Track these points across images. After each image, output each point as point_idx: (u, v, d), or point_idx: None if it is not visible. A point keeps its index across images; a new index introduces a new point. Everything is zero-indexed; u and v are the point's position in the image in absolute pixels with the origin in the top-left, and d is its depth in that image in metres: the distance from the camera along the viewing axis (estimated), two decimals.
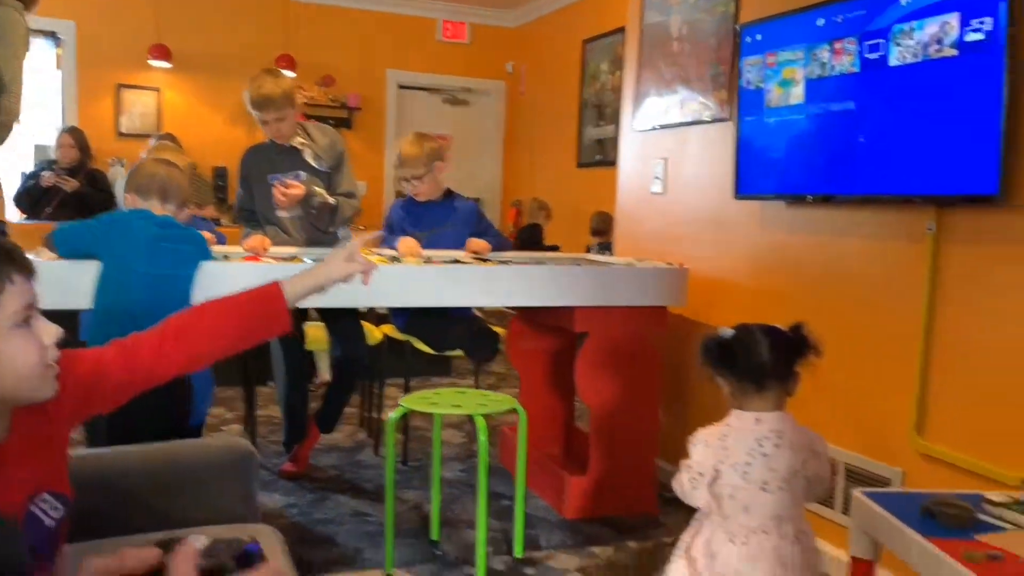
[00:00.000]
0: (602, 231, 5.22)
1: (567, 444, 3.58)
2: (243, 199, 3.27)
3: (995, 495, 1.76)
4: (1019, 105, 2.06)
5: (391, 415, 2.46)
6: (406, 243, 3.09)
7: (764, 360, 1.68)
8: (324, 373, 4.39)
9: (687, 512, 3.03)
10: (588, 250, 5.14)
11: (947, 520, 1.64)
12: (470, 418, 4.12)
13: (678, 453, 3.44)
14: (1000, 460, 2.15)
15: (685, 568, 1.73)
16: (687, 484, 1.74)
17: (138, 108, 6.42)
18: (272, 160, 3.21)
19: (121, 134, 6.36)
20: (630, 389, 3.01)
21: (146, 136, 5.95)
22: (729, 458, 1.69)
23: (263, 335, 1.43)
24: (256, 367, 3.62)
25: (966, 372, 2.26)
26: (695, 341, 3.23)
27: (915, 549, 1.58)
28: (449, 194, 3.40)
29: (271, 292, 1.42)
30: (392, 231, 3.39)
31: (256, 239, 3.05)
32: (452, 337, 3.30)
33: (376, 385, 3.85)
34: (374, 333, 3.68)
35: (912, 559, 1.60)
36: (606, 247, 4.78)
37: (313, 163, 3.23)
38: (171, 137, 5.14)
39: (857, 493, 1.82)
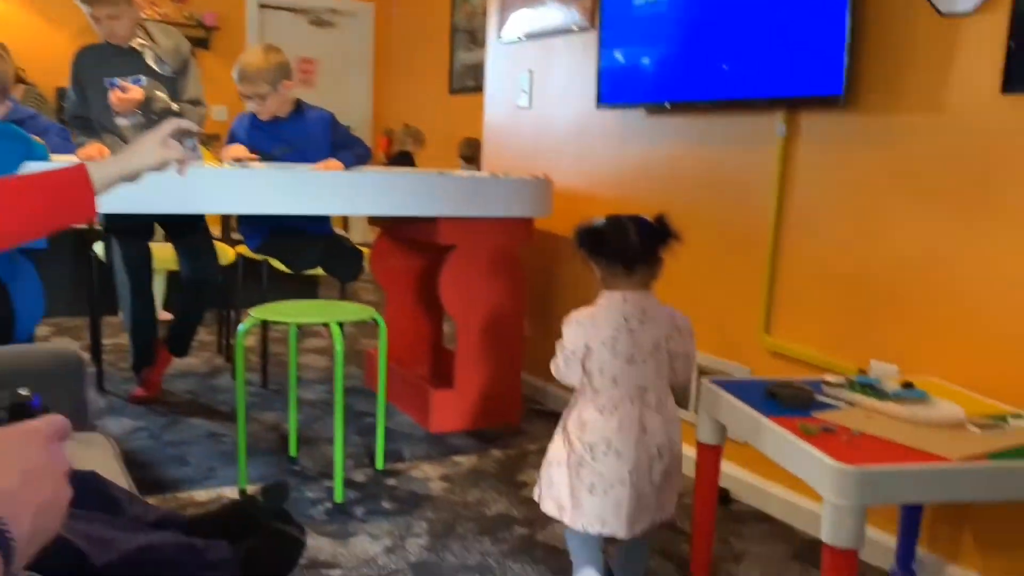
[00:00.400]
0: (471, 157, 5.16)
1: (435, 364, 3.57)
2: (75, 104, 3.02)
3: (831, 377, 1.88)
4: (864, 7, 2.12)
5: (243, 324, 2.36)
6: (235, 149, 2.93)
7: (632, 244, 1.78)
8: (160, 311, 4.16)
9: (550, 421, 3.11)
10: None
11: (787, 400, 1.73)
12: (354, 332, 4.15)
13: (543, 365, 3.51)
14: (840, 354, 2.25)
15: (561, 441, 1.82)
16: (562, 365, 1.82)
17: None
18: (109, 62, 2.97)
19: None
20: (496, 302, 3.01)
21: None
22: (599, 334, 1.77)
23: (66, 220, 1.33)
24: (103, 296, 3.42)
25: (810, 272, 2.33)
26: (560, 254, 3.34)
27: (758, 428, 1.66)
28: (299, 107, 3.17)
29: (77, 176, 1.32)
30: None
31: (93, 147, 2.82)
32: (310, 255, 3.18)
33: (233, 310, 3.73)
34: (227, 253, 3.52)
35: (755, 438, 1.68)
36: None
37: (155, 66, 3.00)
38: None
39: (705, 382, 1.90)
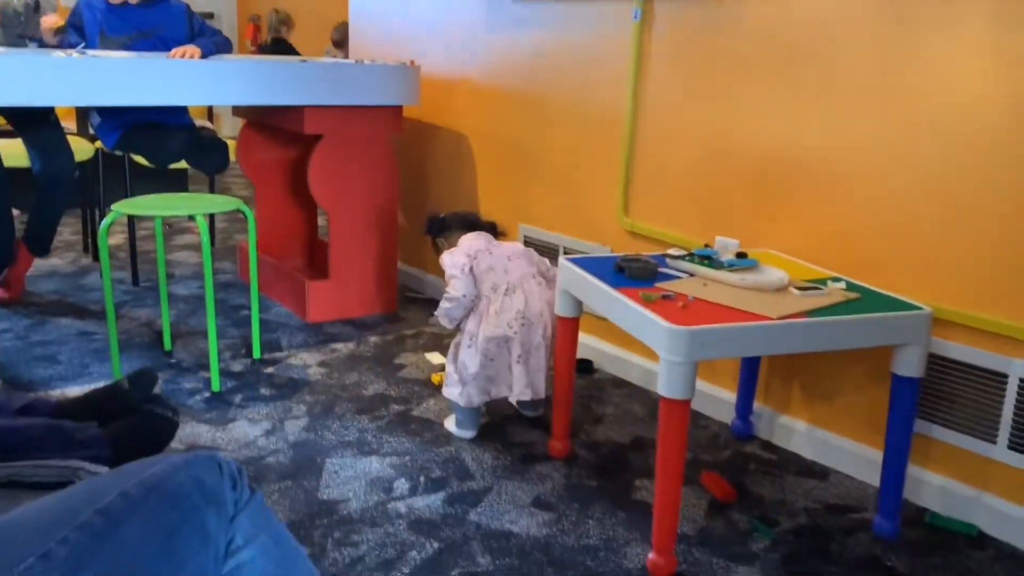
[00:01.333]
0: (341, 42, 4.99)
1: (310, 256, 3.55)
2: None
3: (674, 251, 1.98)
4: None
5: (106, 219, 2.31)
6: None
7: (471, 217, 2.36)
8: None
9: (427, 308, 3.33)
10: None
11: (634, 272, 1.83)
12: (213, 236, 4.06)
13: (419, 254, 3.44)
14: (691, 232, 2.38)
15: (467, 339, 2.10)
16: (448, 305, 2.12)
17: None
18: None
19: None
20: (368, 192, 2.99)
21: None
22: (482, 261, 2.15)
23: None
24: None
25: (665, 154, 2.42)
26: (432, 143, 3.35)
27: (607, 299, 1.77)
28: None
29: None
30: (82, 36, 3.03)
31: None
32: (172, 148, 3.08)
33: (96, 208, 3.59)
34: (85, 148, 3.36)
35: (605, 309, 1.79)
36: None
37: None
38: None
39: (562, 259, 1.96)
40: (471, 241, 2.22)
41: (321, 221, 3.75)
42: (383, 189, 3.04)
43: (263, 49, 5.64)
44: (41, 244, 3.10)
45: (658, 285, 1.78)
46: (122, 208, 2.31)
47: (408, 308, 3.24)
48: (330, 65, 2.83)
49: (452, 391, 2.14)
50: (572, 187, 2.75)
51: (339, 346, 2.81)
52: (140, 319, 2.97)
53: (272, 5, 6.28)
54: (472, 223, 2.36)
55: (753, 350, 1.60)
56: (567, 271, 1.95)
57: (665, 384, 1.55)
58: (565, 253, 2.77)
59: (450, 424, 2.23)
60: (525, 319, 2.08)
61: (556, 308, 2.02)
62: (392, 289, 3.16)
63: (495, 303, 2.09)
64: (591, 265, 1.92)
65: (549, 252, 2.84)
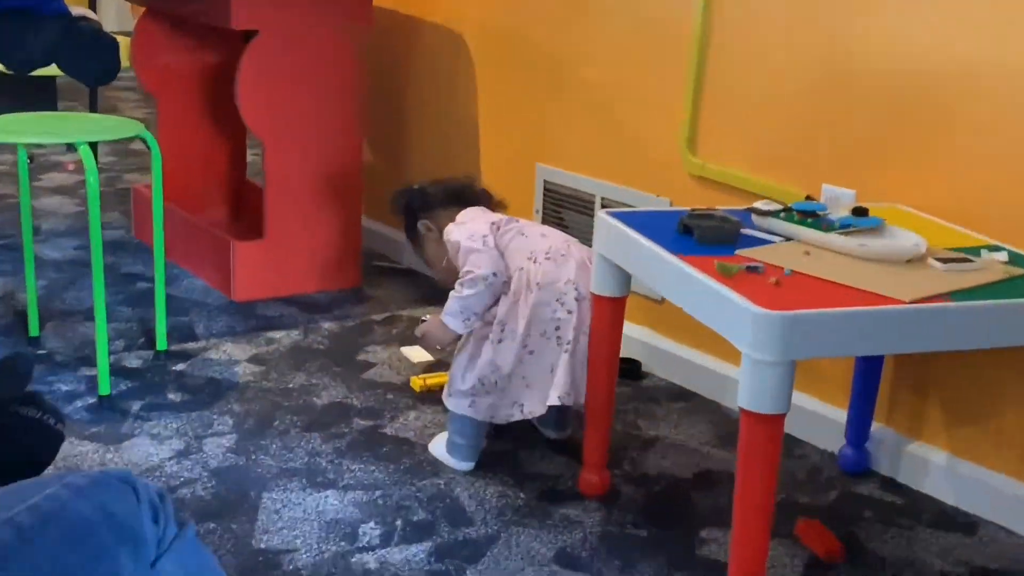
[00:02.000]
0: None
1: (236, 206, 3.59)
2: None
3: (764, 204, 1.99)
4: None
5: None
6: None
7: (460, 186, 2.46)
8: None
9: (406, 283, 3.28)
10: None
11: (706, 234, 1.84)
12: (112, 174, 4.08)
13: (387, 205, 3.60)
14: (784, 178, 2.40)
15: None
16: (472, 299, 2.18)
17: None
18: None
19: None
20: (321, 115, 2.99)
21: None
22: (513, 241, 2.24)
23: None
24: None
25: (748, 74, 2.46)
26: (413, 46, 3.34)
27: (665, 270, 1.77)
28: None
29: None
30: None
31: None
32: (36, 45, 3.06)
33: None
34: None
35: (662, 283, 1.82)
36: None
37: None
38: None
39: (600, 213, 1.99)
40: (479, 213, 2.34)
41: (253, 156, 3.77)
42: (342, 111, 3.06)
43: None
44: None
45: (740, 252, 1.79)
46: None
47: (377, 282, 3.25)
48: None
49: (459, 403, 2.20)
50: (615, 114, 2.78)
51: (279, 335, 2.85)
52: None
53: None
54: (463, 194, 2.45)
55: (875, 347, 1.66)
56: (608, 232, 1.97)
57: (749, 393, 1.56)
58: (604, 207, 2.79)
59: (438, 448, 2.28)
60: (579, 292, 2.14)
61: (592, 284, 2.06)
62: (354, 255, 3.19)
63: (536, 273, 2.16)
64: (644, 223, 1.93)
65: (581, 205, 2.90)
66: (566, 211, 2.96)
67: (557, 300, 2.13)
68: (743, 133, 2.52)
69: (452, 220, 2.33)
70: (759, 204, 1.99)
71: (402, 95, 3.44)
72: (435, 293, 3.21)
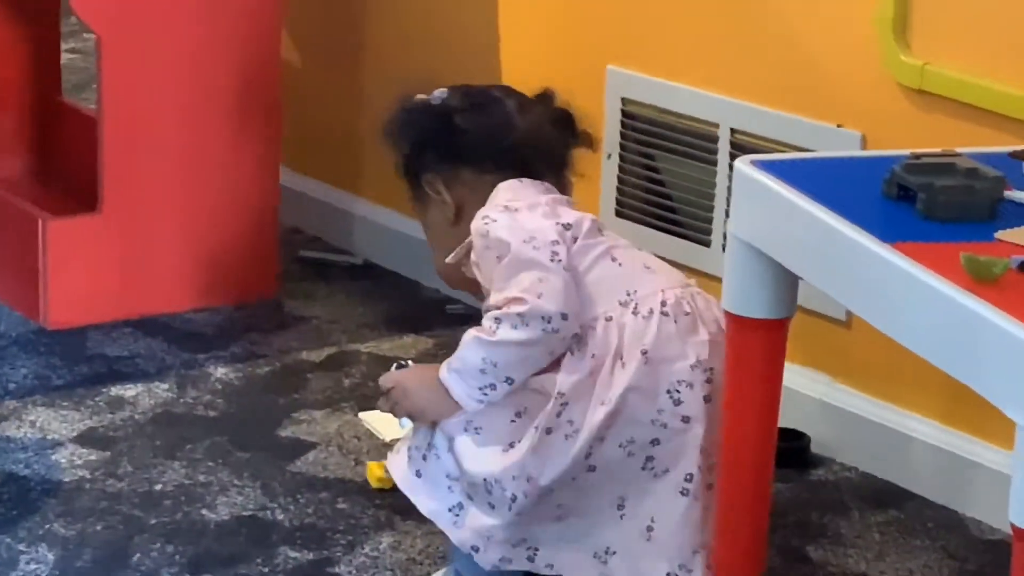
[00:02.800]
0: None
1: (43, 151, 3.54)
2: None
3: None
4: None
5: None
6: None
7: (529, 114, 2.26)
8: None
9: (352, 288, 3.45)
10: None
11: (940, 201, 1.72)
12: None
13: (334, 157, 3.60)
14: None
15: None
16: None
17: None
18: None
19: None
20: (243, 49, 3.07)
21: None
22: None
23: None
24: None
25: None
26: None
27: (861, 267, 1.69)
28: None
29: None
30: None
31: None
32: None
33: None
34: None
35: (852, 294, 1.76)
36: None
37: None
38: None
39: (738, 163, 1.93)
40: (541, 194, 2.20)
41: (71, 59, 3.73)
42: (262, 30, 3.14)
43: None
44: None
45: (1001, 235, 1.67)
46: None
47: (309, 290, 3.32)
48: None
49: (464, 536, 2.09)
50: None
51: (133, 392, 2.79)
52: None
53: None
54: (532, 138, 2.27)
55: None
56: (754, 198, 1.90)
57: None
58: (735, 147, 2.71)
59: None
60: (710, 387, 2.06)
61: (727, 296, 1.97)
62: (267, 242, 3.21)
63: (638, 333, 2.08)
64: (821, 180, 1.85)
65: (691, 143, 2.88)
66: (662, 154, 2.93)
67: (669, 394, 2.03)
68: (998, 5, 2.41)
69: (485, 189, 2.18)
70: None
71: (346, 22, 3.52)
72: (421, 308, 3.34)
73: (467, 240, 2.13)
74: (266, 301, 3.13)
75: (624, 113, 2.94)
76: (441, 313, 3.28)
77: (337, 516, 2.40)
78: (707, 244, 2.93)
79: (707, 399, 2.01)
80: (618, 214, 3.06)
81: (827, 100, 2.63)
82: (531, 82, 2.92)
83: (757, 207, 1.88)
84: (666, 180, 2.90)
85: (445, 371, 2.04)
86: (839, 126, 2.59)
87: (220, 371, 2.84)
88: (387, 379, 2.14)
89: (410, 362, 2.26)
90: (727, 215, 2.70)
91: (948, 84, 2.42)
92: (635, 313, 2.04)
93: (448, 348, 2.60)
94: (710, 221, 2.90)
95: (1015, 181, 1.80)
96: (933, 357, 1.54)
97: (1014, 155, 1.89)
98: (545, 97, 2.29)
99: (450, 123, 2.24)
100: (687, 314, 2.06)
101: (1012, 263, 1.51)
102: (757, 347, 1.95)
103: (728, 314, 1.95)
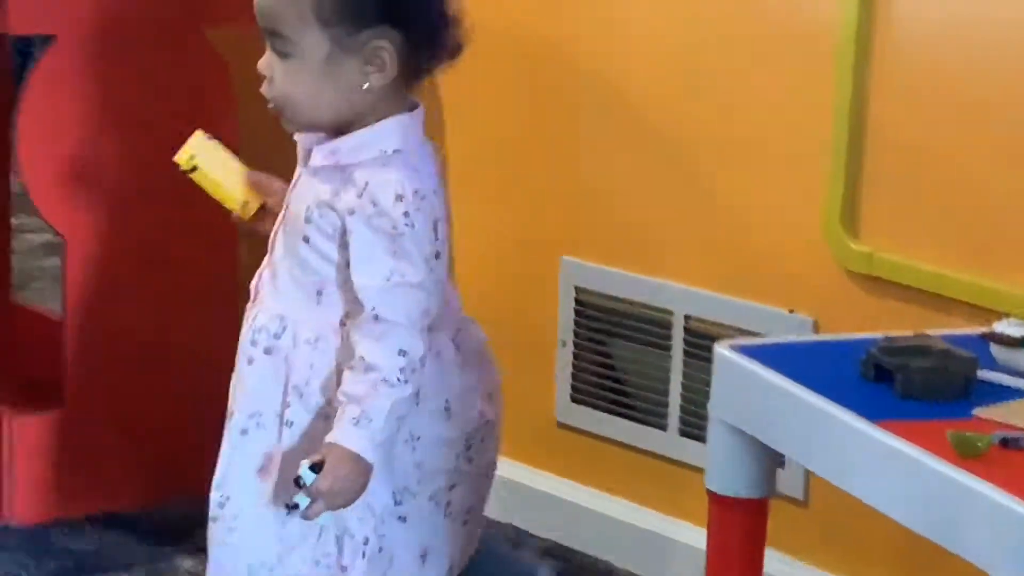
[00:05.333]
0: None
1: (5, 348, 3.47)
2: None
3: (1009, 324, 1.93)
4: None
5: None
6: None
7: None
8: None
9: None
10: None
11: (919, 381, 1.76)
12: None
13: None
14: (1016, 273, 2.35)
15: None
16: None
17: None
18: None
19: None
20: (159, 177, 2.80)
21: None
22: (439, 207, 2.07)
23: None
24: None
25: (932, 107, 2.49)
26: None
27: (851, 450, 1.71)
28: None
29: None
30: None
31: None
32: None
33: None
34: None
35: (844, 472, 1.73)
36: None
37: None
38: None
39: (721, 349, 1.97)
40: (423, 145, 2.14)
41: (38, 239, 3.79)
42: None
43: None
44: None
45: (979, 412, 1.72)
46: None
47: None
48: None
49: None
50: (705, 168, 2.79)
51: None
52: None
53: None
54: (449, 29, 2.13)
55: None
56: (735, 380, 1.94)
57: None
58: (689, 332, 2.77)
59: None
60: (490, 442, 2.19)
61: (710, 474, 2.00)
62: None
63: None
64: (798, 362, 1.91)
65: (646, 330, 2.89)
66: (616, 340, 2.96)
67: (466, 442, 2.12)
68: (940, 201, 2.50)
69: (390, 79, 2.01)
70: (1002, 326, 1.95)
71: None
72: None
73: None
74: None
75: (578, 302, 2.95)
76: None
77: None
78: (663, 428, 2.90)
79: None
80: (573, 399, 3.02)
81: (779, 286, 2.66)
82: (487, 273, 3.15)
83: (738, 390, 1.91)
84: (620, 366, 2.91)
85: (354, 440, 1.93)
86: (791, 311, 2.62)
87: (185, 564, 2.78)
88: (311, 489, 1.96)
89: (313, 460, 1.99)
90: (682, 399, 2.86)
91: (896, 270, 2.47)
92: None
93: None
94: (666, 405, 2.89)
95: (985, 361, 1.83)
96: (920, 527, 1.56)
97: (983, 336, 1.92)
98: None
99: None
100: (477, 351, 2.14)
101: (994, 439, 1.56)
102: (741, 526, 1.95)
103: (711, 494, 1.96)
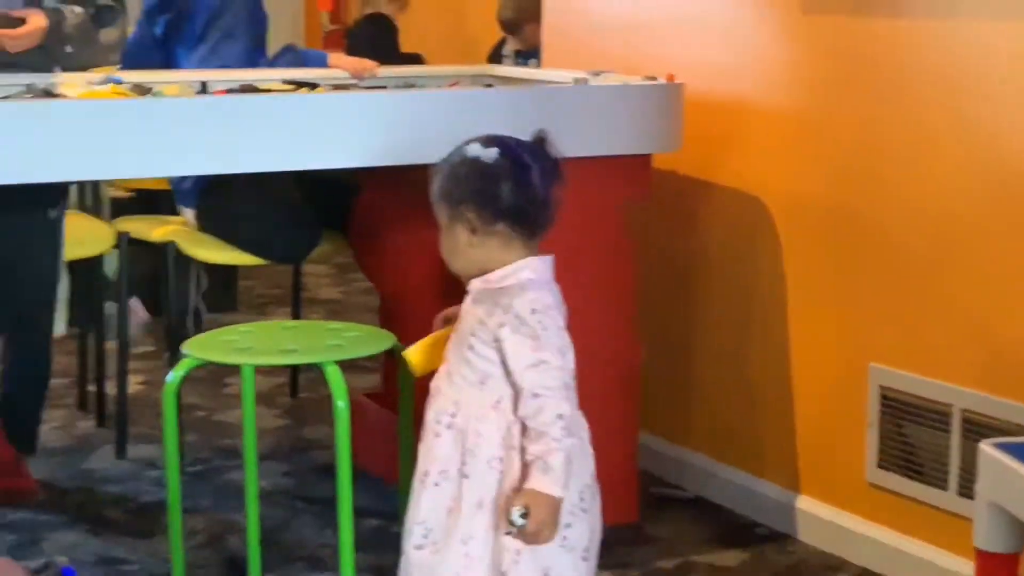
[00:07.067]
0: (517, 25, 5.47)
1: None
2: None
3: None
4: None
5: (172, 373, 2.68)
6: None
7: (539, 199, 2.34)
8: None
9: (696, 517, 3.49)
10: (495, 59, 5.45)
11: None
12: (292, 384, 4.40)
13: (671, 417, 3.80)
14: None
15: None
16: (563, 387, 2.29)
17: None
18: None
19: None
20: (586, 310, 3.02)
21: None
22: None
23: None
24: None
25: None
26: (699, 218, 3.58)
27: None
28: None
29: None
30: None
31: None
32: (250, 220, 3.59)
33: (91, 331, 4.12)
34: (102, 237, 3.87)
35: None
36: (529, 55, 4.87)
37: None
38: None
39: (985, 447, 2.10)
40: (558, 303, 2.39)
41: None
42: (613, 303, 3.24)
43: (352, 30, 6.34)
44: (19, 433, 3.57)
45: None
46: (199, 351, 2.70)
47: (657, 513, 3.46)
48: (533, 92, 3.16)
49: None
50: (977, 295, 2.89)
51: None
52: (197, 533, 3.26)
53: None
54: (543, 206, 2.39)
55: None
56: (1000, 469, 2.07)
57: None
58: (966, 424, 2.89)
59: None
60: None
61: (979, 536, 2.14)
62: (631, 481, 3.34)
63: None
64: None
65: (934, 420, 3.02)
66: (910, 425, 3.09)
67: (580, 495, 2.39)
68: None
69: (511, 250, 2.34)
70: None
71: (682, 271, 3.69)
72: (729, 530, 3.44)
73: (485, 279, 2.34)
74: (631, 522, 3.34)
75: (883, 396, 3.11)
76: (750, 532, 3.42)
77: None
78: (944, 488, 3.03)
79: None
80: (880, 465, 3.20)
81: None
82: (819, 368, 3.37)
83: (1003, 479, 2.04)
84: (915, 445, 3.06)
85: (549, 486, 2.22)
86: None
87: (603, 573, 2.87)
88: (526, 529, 2.25)
89: (522, 507, 2.26)
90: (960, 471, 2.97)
91: None
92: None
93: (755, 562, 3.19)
94: (947, 473, 3.03)
95: None
96: None
97: None
98: (539, 139, 2.40)
99: (501, 189, 2.32)
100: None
101: None
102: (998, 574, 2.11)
103: (979, 551, 2.11)
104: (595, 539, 2.39)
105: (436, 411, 2.36)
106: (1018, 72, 2.82)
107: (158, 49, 3.67)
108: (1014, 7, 2.82)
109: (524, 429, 2.26)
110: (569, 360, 2.29)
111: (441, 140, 2.54)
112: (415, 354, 2.50)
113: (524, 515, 2.19)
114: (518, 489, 2.25)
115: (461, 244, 2.33)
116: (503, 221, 2.29)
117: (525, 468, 2.25)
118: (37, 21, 3.32)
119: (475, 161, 2.30)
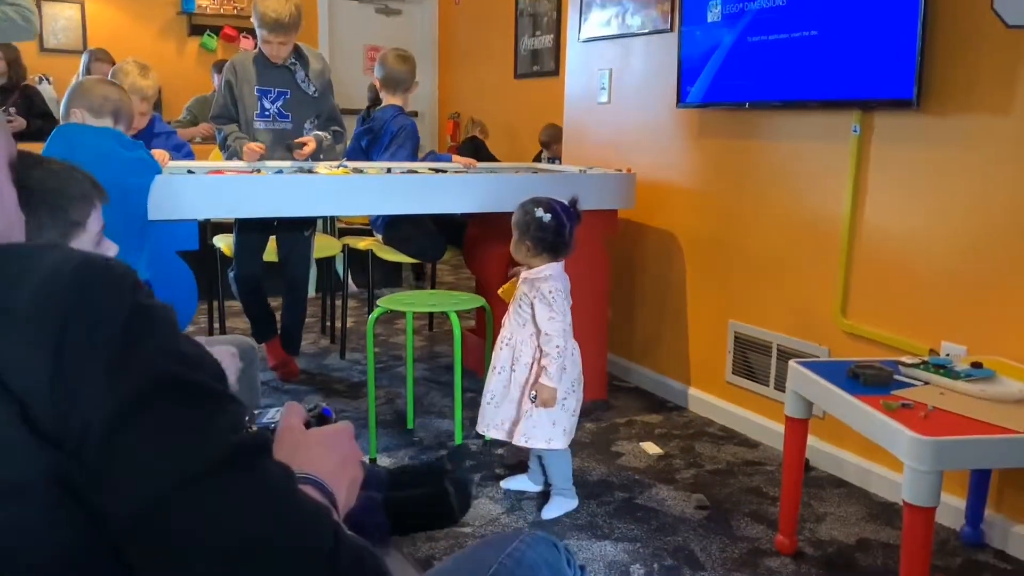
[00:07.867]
0: (549, 143, 5.33)
1: None
2: (223, 107, 3.22)
3: (908, 359, 1.99)
4: (935, 17, 2.22)
5: (372, 313, 2.66)
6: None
7: (568, 239, 2.29)
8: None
9: (635, 396, 3.33)
10: (537, 159, 5.28)
11: (869, 380, 1.85)
12: (429, 324, 4.37)
13: (626, 345, 3.62)
14: (912, 335, 2.35)
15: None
16: (561, 338, 2.23)
17: (60, 22, 6.20)
18: (262, 74, 3.18)
19: (45, 49, 6.11)
20: (583, 288, 3.00)
21: (72, 52, 5.85)
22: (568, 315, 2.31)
23: None
24: (221, 284, 3.64)
25: (883, 259, 2.43)
26: (643, 243, 3.45)
27: (844, 405, 1.81)
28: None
29: None
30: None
31: (257, 144, 3.07)
32: (417, 240, 3.45)
33: (338, 295, 4.00)
34: (331, 245, 3.79)
35: (841, 413, 1.83)
36: (554, 159, 4.77)
37: (301, 85, 3.22)
38: (103, 53, 4.89)
39: (793, 363, 2.05)
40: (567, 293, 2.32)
41: None
42: (597, 285, 3.15)
43: (461, 145, 6.14)
44: (290, 343, 3.50)
45: (894, 393, 1.80)
46: (387, 304, 2.68)
47: (617, 395, 3.34)
48: (557, 176, 3.10)
49: (557, 437, 2.27)
50: (787, 286, 2.78)
51: None
52: (380, 398, 3.26)
53: (466, 104, 6.84)
54: (567, 248, 2.31)
55: (1000, 462, 1.66)
56: (798, 374, 2.02)
57: (910, 491, 1.59)
58: (779, 352, 2.82)
59: (553, 510, 2.30)
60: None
61: (787, 408, 2.05)
62: (603, 377, 3.26)
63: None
64: (823, 370, 1.98)
65: (761, 350, 2.90)
66: (750, 353, 2.95)
67: (572, 385, 2.31)
68: (880, 302, 2.47)
69: (534, 251, 2.27)
70: (905, 359, 1.99)
71: (631, 272, 3.54)
72: (652, 403, 3.25)
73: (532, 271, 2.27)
74: (603, 399, 3.13)
75: (735, 338, 2.93)
76: (664, 405, 3.21)
77: (634, 481, 2.47)
78: (767, 385, 2.85)
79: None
80: (733, 372, 2.99)
81: (814, 332, 2.61)
82: (701, 325, 3.01)
83: (800, 378, 1.97)
84: (753, 363, 2.87)
85: (554, 383, 2.19)
86: (819, 345, 2.60)
87: (588, 425, 2.92)
88: (538, 404, 2.22)
89: (535, 393, 2.24)
90: (776, 376, 2.83)
91: (861, 331, 2.46)
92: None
93: (666, 422, 2.77)
94: (769, 377, 2.86)
95: (896, 372, 1.91)
96: (872, 436, 1.67)
97: (896, 361, 1.96)
98: (573, 203, 2.31)
99: (546, 234, 2.25)
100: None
101: (899, 404, 1.69)
102: (799, 430, 2.02)
103: (789, 418, 2.01)
104: (578, 407, 2.34)
105: (501, 336, 2.36)
106: (815, 169, 2.70)
107: (363, 152, 3.57)
108: (813, 133, 2.70)
109: (541, 351, 2.25)
110: (568, 319, 2.26)
111: (513, 199, 2.53)
112: (504, 292, 2.42)
113: (535, 397, 2.24)
114: (535, 382, 2.26)
115: (521, 253, 2.32)
116: (546, 252, 2.30)
117: (539, 370, 2.25)
118: (312, 144, 3.18)
119: (539, 220, 2.27)
